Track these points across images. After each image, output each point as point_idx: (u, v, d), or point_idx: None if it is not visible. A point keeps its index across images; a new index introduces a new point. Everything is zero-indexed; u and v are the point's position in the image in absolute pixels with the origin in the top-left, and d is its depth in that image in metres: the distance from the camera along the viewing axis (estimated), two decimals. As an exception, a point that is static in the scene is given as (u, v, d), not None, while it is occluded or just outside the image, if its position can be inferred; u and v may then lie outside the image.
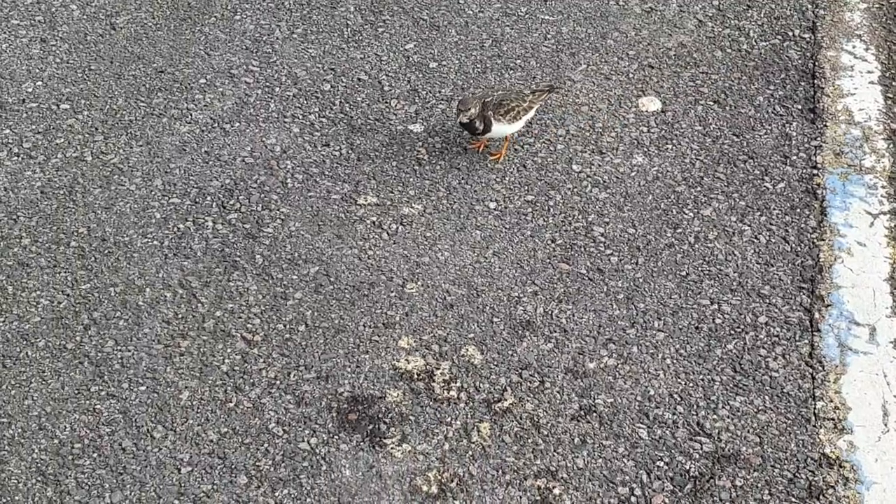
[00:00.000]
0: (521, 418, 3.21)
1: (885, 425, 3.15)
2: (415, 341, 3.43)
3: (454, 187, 3.98)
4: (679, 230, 3.81)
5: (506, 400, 3.26)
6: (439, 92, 4.38)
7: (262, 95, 4.37)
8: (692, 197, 3.93)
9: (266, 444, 3.15)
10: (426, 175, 4.03)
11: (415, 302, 3.55)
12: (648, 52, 4.58)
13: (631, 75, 4.47)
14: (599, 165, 4.06)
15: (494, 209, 3.90)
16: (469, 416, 3.21)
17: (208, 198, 3.93)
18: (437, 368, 3.35)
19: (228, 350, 3.40)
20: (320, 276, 3.64)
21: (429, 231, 3.81)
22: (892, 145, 4.11)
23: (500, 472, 3.08)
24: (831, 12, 4.76)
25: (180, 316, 3.50)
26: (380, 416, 3.21)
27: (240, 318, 3.50)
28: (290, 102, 4.33)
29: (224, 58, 4.54)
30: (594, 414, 3.22)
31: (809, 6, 4.80)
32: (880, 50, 4.56)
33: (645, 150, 4.13)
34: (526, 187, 3.98)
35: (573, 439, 3.15)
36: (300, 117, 4.27)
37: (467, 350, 3.41)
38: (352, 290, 3.59)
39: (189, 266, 3.67)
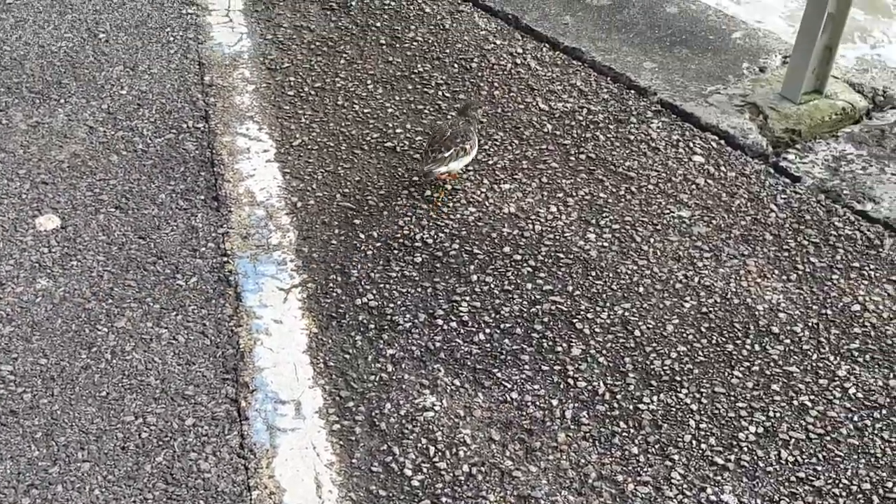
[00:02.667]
0: None
1: (320, 497, 3.18)
2: None
3: None
4: (94, 349, 3.62)
5: (-88, 590, 2.86)
6: None
7: None
8: (104, 311, 3.76)
9: None
10: None
11: None
12: (40, 167, 4.36)
13: (24, 196, 4.22)
14: (0, 298, 3.77)
15: None
16: None
17: None
18: None
19: None
20: None
21: None
22: (294, 219, 4.24)
23: None
24: (222, 98, 4.86)
25: None
26: None
27: None
28: None
29: None
30: (20, 575, 2.93)
31: (200, 96, 4.86)
32: (273, 128, 4.72)
33: (48, 271, 3.90)
34: (-82, 339, 3.59)
35: None
36: None
37: None
38: None
39: None
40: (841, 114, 4.90)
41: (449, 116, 4.46)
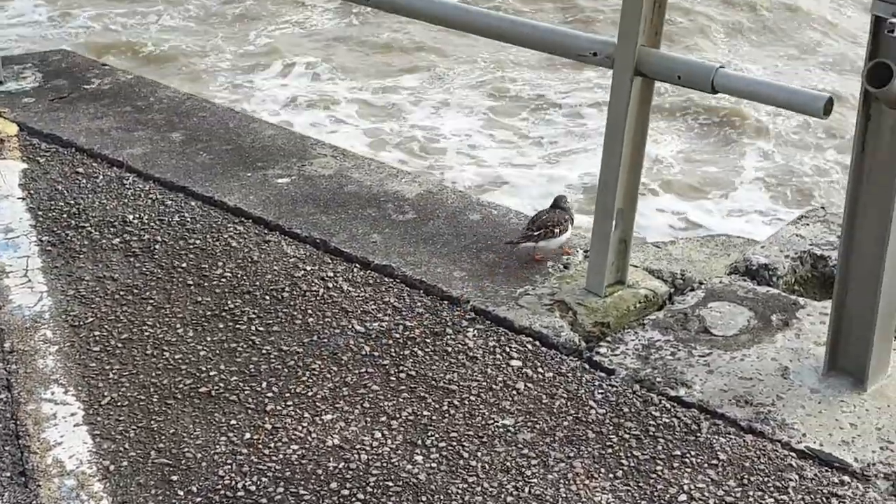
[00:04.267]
0: None
1: None
2: None
3: None
4: None
5: None
6: None
7: None
8: None
9: None
10: None
11: None
12: None
13: None
14: None
15: None
16: None
17: None
18: None
19: None
20: None
21: None
22: (108, 484, 4.03)
23: None
24: (24, 364, 4.66)
25: None
26: None
27: None
28: None
29: None
30: None
31: (1, 364, 4.65)
32: (80, 389, 4.54)
33: None
34: None
35: None
36: None
37: None
38: None
39: None
40: (644, 301, 5.08)
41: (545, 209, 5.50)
